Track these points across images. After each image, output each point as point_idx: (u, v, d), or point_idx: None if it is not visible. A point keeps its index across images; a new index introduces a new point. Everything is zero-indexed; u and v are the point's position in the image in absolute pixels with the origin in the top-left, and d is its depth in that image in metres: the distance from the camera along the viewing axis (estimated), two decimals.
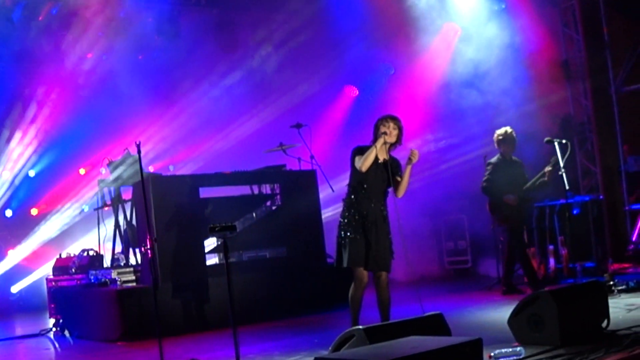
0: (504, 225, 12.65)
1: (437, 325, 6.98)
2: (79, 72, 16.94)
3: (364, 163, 8.56)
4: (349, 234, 8.61)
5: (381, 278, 8.73)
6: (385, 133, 8.67)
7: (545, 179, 12.40)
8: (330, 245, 11.93)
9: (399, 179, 8.83)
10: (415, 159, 8.67)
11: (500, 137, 12.63)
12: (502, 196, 12.43)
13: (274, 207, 13.36)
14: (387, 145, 8.78)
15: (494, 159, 12.69)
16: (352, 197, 8.76)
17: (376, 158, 8.68)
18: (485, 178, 12.60)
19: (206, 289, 11.70)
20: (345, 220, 8.70)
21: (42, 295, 14.32)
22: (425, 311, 7.82)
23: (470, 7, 16.79)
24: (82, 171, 17.86)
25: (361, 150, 8.73)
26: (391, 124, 8.76)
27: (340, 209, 8.98)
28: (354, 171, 8.77)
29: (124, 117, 17.19)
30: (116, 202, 13.44)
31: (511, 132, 12.62)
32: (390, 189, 8.89)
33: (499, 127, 12.79)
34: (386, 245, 8.75)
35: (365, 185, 8.69)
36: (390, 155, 8.88)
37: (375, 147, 8.63)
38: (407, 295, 10.13)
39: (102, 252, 13.68)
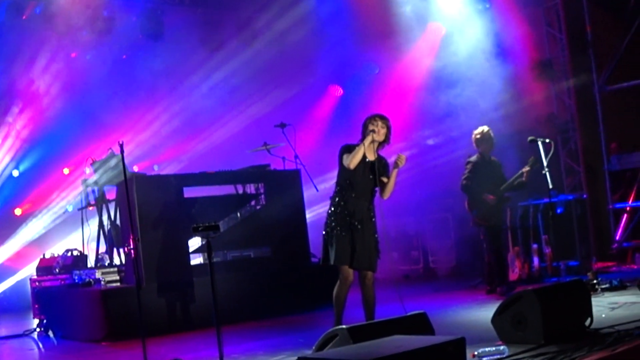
0: (481, 224, 12.62)
1: (420, 324, 6.99)
2: (63, 72, 16.88)
3: (351, 160, 8.56)
4: (335, 231, 8.62)
5: (367, 277, 8.73)
6: (373, 131, 8.68)
7: (523, 179, 12.37)
8: (314, 244, 11.95)
9: (385, 180, 8.85)
10: (401, 164, 8.70)
11: (478, 137, 12.59)
12: (481, 195, 12.40)
13: (258, 207, 13.37)
14: (376, 145, 8.80)
15: (473, 158, 12.65)
16: (340, 195, 8.75)
17: (365, 157, 8.71)
18: (465, 176, 12.54)
19: (190, 288, 11.68)
20: (332, 218, 8.70)
21: (26, 296, 14.27)
22: (407, 310, 7.85)
23: (455, 7, 16.80)
24: (66, 171, 17.81)
25: (349, 148, 8.73)
26: (379, 123, 8.77)
27: (325, 208, 8.99)
28: (342, 169, 8.77)
29: (108, 117, 17.15)
30: (100, 202, 13.40)
31: (488, 132, 12.57)
32: (377, 189, 8.91)
33: (481, 127, 12.77)
34: (372, 245, 8.76)
35: (352, 184, 8.69)
36: (378, 155, 8.92)
37: (364, 144, 8.64)
38: (391, 294, 10.11)
39: (86, 252, 13.65)
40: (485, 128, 12.62)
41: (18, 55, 16.55)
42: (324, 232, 8.79)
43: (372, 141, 8.71)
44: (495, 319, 7.86)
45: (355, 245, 8.60)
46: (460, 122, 16.10)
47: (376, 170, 8.77)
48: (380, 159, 8.92)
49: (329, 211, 8.80)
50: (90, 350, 10.58)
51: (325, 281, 9.72)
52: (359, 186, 8.72)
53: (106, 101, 16.99)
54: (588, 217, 15.96)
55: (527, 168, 12.23)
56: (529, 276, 13.68)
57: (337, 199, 8.77)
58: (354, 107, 17.13)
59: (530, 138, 11.82)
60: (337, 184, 8.86)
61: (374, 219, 8.84)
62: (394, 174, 8.81)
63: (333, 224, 8.67)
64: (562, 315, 7.67)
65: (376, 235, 8.85)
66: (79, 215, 13.86)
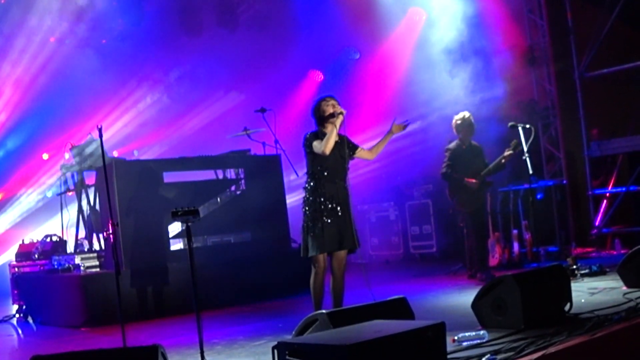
0: (463, 210, 12.58)
1: (400, 309, 6.99)
2: (42, 56, 16.77)
3: (326, 145, 8.44)
4: (320, 220, 8.50)
5: (342, 263, 8.68)
6: (341, 113, 8.62)
7: (503, 161, 12.31)
8: (294, 230, 11.95)
9: (359, 150, 9.00)
10: (397, 132, 8.99)
11: (459, 122, 12.48)
12: (461, 181, 12.32)
13: (238, 192, 13.35)
14: (339, 124, 8.71)
15: (452, 145, 12.57)
16: (316, 182, 8.63)
17: None
18: (444, 164, 12.45)
19: (170, 274, 11.66)
20: (312, 207, 8.58)
21: (5, 282, 14.18)
22: (375, 297, 7.88)
23: None
24: (45, 156, 17.71)
25: (316, 136, 8.68)
26: (333, 101, 8.76)
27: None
28: (313, 157, 8.66)
29: (88, 102, 17.08)
30: (79, 187, 13.35)
31: (469, 117, 12.47)
32: (349, 166, 8.89)
33: (462, 112, 12.72)
34: (353, 222, 8.74)
35: (326, 169, 8.60)
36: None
37: (335, 126, 8.56)
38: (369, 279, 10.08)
39: (65, 238, 13.60)
40: (466, 114, 12.54)
41: None
42: (304, 224, 8.67)
43: (342, 120, 8.67)
44: (475, 304, 7.88)
45: (340, 228, 8.56)
46: (440, 108, 16.09)
47: (346, 147, 8.79)
48: (341, 136, 8.83)
49: (307, 201, 8.67)
50: (70, 336, 10.54)
51: (305, 267, 9.68)
52: (333, 169, 8.65)
53: (85, 86, 16.88)
54: (568, 203, 16.02)
55: (510, 151, 12.13)
56: (509, 262, 13.70)
57: (313, 187, 8.65)
58: (334, 93, 17.02)
59: (510, 123, 11.81)
60: (310, 173, 8.76)
61: (350, 197, 8.79)
62: (387, 139, 8.98)
63: (313, 212, 8.57)
64: (541, 301, 7.68)
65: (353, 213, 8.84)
66: (58, 200, 13.81)
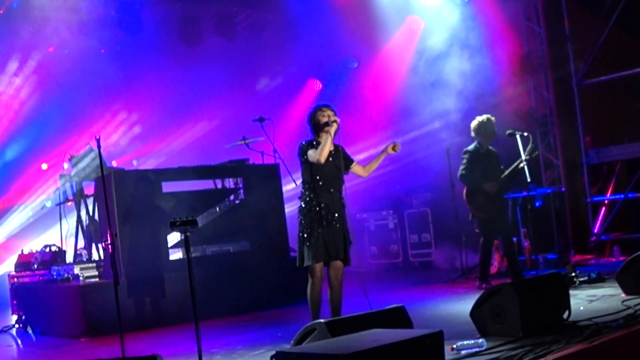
0: (480, 215, 12.34)
1: (399, 318, 7.00)
2: (41, 66, 16.78)
3: (321, 154, 8.50)
4: (313, 229, 8.55)
5: (338, 272, 8.71)
6: (335, 121, 8.66)
7: (520, 166, 12.08)
8: (293, 239, 11.95)
9: (354, 165, 9.04)
10: (393, 152, 8.93)
11: (483, 126, 12.22)
12: (479, 185, 12.12)
13: (237, 202, 13.35)
14: (333, 134, 8.72)
15: (471, 148, 12.27)
16: (311, 192, 8.68)
17: None
18: (463, 166, 12.16)
19: (169, 284, 11.65)
20: (308, 217, 8.62)
21: (4, 292, 14.16)
22: (372, 306, 7.87)
23: (434, 0, 16.81)
24: (44, 166, 17.69)
25: (311, 145, 8.73)
26: (329, 112, 8.77)
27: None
28: (308, 166, 8.72)
29: (86, 112, 17.07)
30: (78, 197, 13.35)
31: (493, 121, 12.22)
32: (346, 176, 8.91)
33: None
34: (346, 235, 8.78)
35: (321, 178, 8.65)
36: (334, 143, 8.86)
37: (330, 134, 8.59)
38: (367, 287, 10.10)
39: (64, 248, 13.58)
40: (491, 117, 12.28)
41: None
42: (300, 234, 8.70)
43: (337, 129, 8.69)
44: (473, 312, 7.88)
45: (334, 239, 8.57)
46: (439, 116, 16.11)
47: (341, 157, 8.82)
48: (337, 146, 8.90)
49: (302, 211, 8.72)
50: (69, 347, 10.53)
51: (304, 276, 9.71)
52: (327, 178, 8.68)
53: (84, 96, 16.89)
54: (566, 210, 16.02)
55: (527, 156, 11.94)
56: (508, 269, 13.68)
57: (309, 197, 8.69)
58: (333, 101, 16.98)
59: (508, 131, 11.79)
60: (305, 182, 8.80)
61: (345, 208, 8.81)
62: (381, 158, 8.97)
63: (309, 222, 8.60)
64: (540, 308, 7.68)
65: (347, 225, 8.85)
66: (57, 210, 13.80)
